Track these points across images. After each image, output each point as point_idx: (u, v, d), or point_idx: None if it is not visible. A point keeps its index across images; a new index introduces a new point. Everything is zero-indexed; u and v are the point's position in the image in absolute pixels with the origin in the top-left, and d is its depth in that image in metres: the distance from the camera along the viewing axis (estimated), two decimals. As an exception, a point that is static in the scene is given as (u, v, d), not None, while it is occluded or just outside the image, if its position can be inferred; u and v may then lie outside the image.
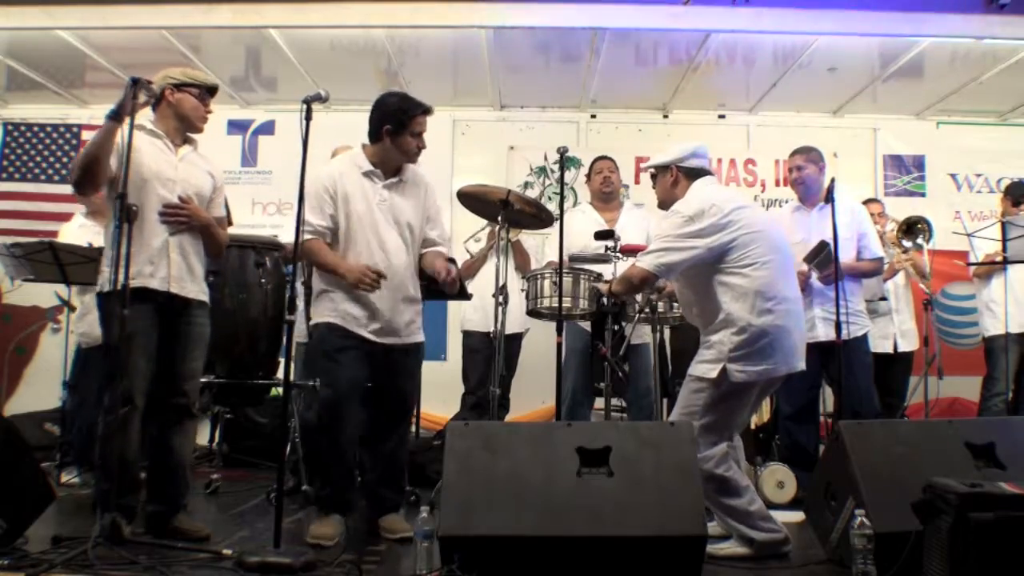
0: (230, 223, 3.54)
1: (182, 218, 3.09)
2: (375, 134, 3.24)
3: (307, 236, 3.10)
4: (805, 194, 4.24)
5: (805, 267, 3.99)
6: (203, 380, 3.92)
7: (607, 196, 4.59)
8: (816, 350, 3.93)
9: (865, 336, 4.17)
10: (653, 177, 3.28)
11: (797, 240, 4.01)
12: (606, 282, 3.59)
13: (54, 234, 4.55)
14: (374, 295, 3.13)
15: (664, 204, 3.23)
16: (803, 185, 4.21)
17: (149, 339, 2.99)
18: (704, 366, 2.96)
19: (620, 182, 4.75)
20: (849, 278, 4.07)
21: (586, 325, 4.24)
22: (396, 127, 3.19)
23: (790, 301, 3.00)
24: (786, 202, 5.31)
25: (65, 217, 4.95)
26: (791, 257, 3.15)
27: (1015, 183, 5.10)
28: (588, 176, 4.75)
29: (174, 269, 3.06)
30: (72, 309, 4.54)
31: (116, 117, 2.85)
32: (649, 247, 3.12)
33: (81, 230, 4.42)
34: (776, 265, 2.98)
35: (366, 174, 3.24)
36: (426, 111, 3.25)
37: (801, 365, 3.03)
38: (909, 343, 4.92)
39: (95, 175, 2.93)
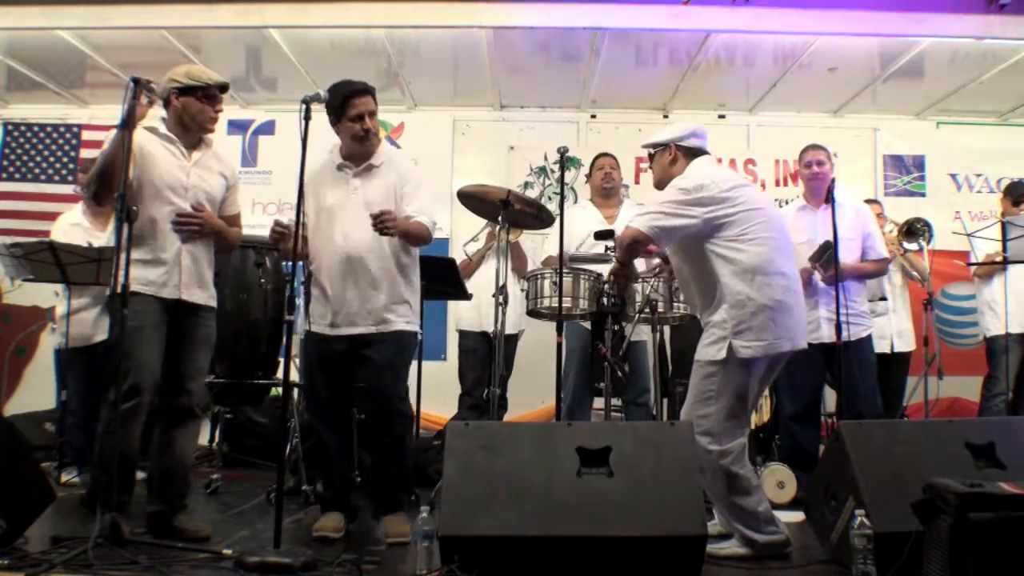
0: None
1: (195, 226, 3.08)
2: (335, 131, 3.28)
3: None
4: (817, 190, 4.18)
5: (809, 266, 3.98)
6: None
7: (608, 192, 4.59)
8: (820, 350, 3.93)
9: (869, 337, 4.16)
10: (651, 157, 3.25)
11: (802, 240, 4.00)
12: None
13: (54, 234, 4.55)
14: (334, 283, 3.15)
15: (661, 184, 3.18)
16: (820, 180, 4.14)
17: (159, 334, 2.99)
18: (711, 349, 2.93)
19: (621, 179, 4.74)
20: (853, 278, 4.07)
21: (587, 324, 4.24)
22: (336, 115, 3.21)
23: (790, 278, 2.98)
24: (787, 202, 5.31)
25: (65, 218, 4.95)
26: (790, 238, 3.13)
27: (1014, 183, 5.11)
28: (589, 173, 4.76)
29: (185, 276, 3.07)
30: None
31: (126, 127, 2.84)
32: (644, 211, 3.06)
33: (73, 229, 4.42)
34: (776, 243, 2.97)
35: (339, 167, 3.27)
36: (356, 92, 3.19)
37: (803, 343, 3.01)
38: (906, 343, 4.92)
39: (111, 185, 2.90)
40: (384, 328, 3.17)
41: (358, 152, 3.25)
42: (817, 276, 3.99)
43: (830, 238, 3.74)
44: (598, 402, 4.12)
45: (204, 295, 3.15)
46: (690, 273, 3.09)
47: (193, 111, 3.10)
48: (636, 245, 3.03)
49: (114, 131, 2.89)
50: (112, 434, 2.83)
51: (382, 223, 3.01)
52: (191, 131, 3.14)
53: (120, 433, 2.83)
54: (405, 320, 3.23)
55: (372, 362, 3.16)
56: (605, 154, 4.70)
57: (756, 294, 2.88)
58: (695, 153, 3.14)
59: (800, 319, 3.01)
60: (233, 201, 3.31)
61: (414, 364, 4.28)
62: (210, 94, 3.12)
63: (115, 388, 2.82)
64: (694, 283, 3.08)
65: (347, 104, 3.17)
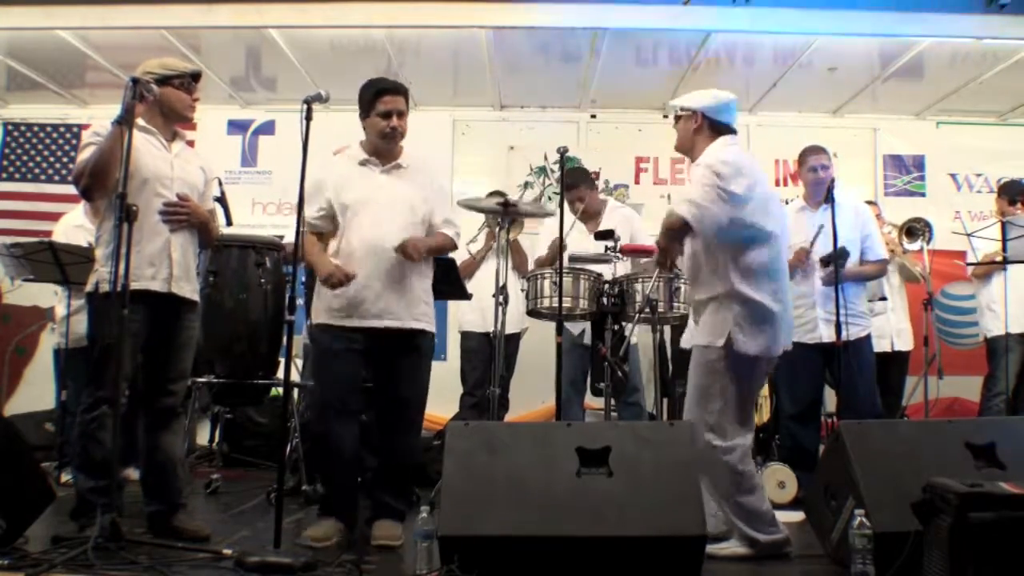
0: (230, 223, 3.54)
1: (182, 216, 3.09)
2: (362, 125, 3.28)
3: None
4: (819, 192, 4.19)
5: (807, 247, 3.99)
6: (203, 380, 3.95)
7: (585, 220, 4.51)
8: (819, 350, 3.94)
9: (868, 337, 4.16)
10: (677, 119, 3.15)
11: (801, 240, 4.02)
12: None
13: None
14: (363, 274, 3.08)
15: (683, 149, 3.14)
16: (824, 184, 4.14)
17: (137, 341, 2.98)
18: (710, 338, 2.92)
19: (592, 198, 4.59)
20: (854, 282, 4.06)
21: (572, 327, 4.24)
22: (364, 110, 3.20)
23: (786, 283, 3.02)
24: (787, 202, 5.30)
25: (66, 218, 4.95)
26: (788, 240, 3.15)
27: (1009, 182, 5.12)
28: None
29: (176, 269, 3.07)
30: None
31: (123, 122, 2.83)
32: (687, 196, 2.94)
33: (76, 231, 4.41)
34: (779, 247, 2.98)
35: (362, 163, 3.24)
36: (388, 90, 3.17)
37: (790, 345, 3.04)
38: (904, 342, 4.93)
39: (106, 181, 2.90)
40: (410, 325, 3.16)
41: (384, 150, 3.23)
42: (817, 266, 3.98)
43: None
44: (597, 402, 4.12)
45: (190, 288, 3.16)
46: (696, 260, 3.05)
47: (172, 99, 3.12)
48: (678, 233, 2.96)
49: (108, 127, 2.87)
50: (93, 437, 2.86)
51: (406, 253, 3.05)
52: (170, 121, 3.16)
53: (100, 435, 2.84)
54: (428, 321, 3.24)
55: (396, 360, 3.14)
56: (568, 187, 4.41)
57: (756, 294, 2.88)
58: (722, 130, 3.05)
59: (791, 321, 3.03)
60: (208, 196, 3.31)
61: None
62: (186, 82, 3.15)
63: (101, 390, 2.84)
64: (698, 256, 3.03)
65: (377, 100, 3.15)
